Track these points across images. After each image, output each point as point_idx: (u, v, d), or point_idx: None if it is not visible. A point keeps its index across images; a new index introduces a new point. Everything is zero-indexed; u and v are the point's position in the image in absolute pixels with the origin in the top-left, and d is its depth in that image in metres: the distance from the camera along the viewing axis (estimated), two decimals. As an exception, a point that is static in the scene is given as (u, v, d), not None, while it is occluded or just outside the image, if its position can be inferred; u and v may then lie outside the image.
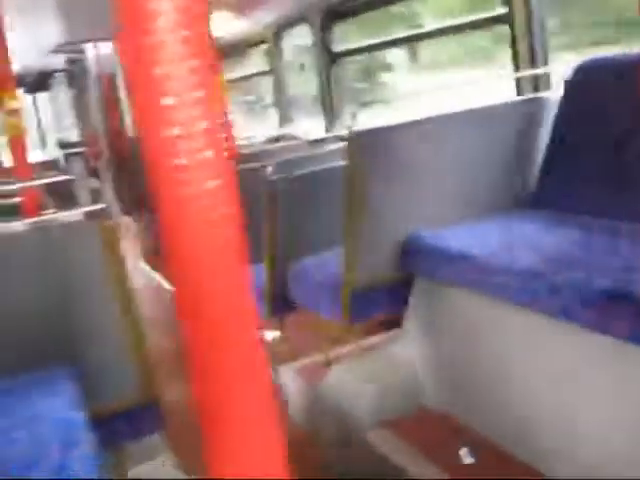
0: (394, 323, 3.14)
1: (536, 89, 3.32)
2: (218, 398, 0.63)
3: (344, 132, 4.04)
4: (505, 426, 2.50)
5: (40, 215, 2.78)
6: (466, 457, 2.51)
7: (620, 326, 1.94)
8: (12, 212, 3.59)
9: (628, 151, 2.64)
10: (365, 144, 2.74)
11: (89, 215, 2.12)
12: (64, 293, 2.06)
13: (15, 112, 3.55)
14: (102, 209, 2.10)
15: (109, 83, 9.49)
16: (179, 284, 0.62)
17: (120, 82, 8.66)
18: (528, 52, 3.31)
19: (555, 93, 3.08)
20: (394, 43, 5.00)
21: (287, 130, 5.85)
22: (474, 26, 3.98)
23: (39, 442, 1.51)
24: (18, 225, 2.11)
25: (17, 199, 3.75)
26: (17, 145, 3.67)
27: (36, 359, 1.99)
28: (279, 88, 6.28)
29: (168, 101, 0.58)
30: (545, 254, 2.33)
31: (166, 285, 5.60)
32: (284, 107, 6.30)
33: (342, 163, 2.96)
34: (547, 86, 3.30)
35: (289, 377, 3.41)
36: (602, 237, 2.43)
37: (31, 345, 2.04)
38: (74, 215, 2.12)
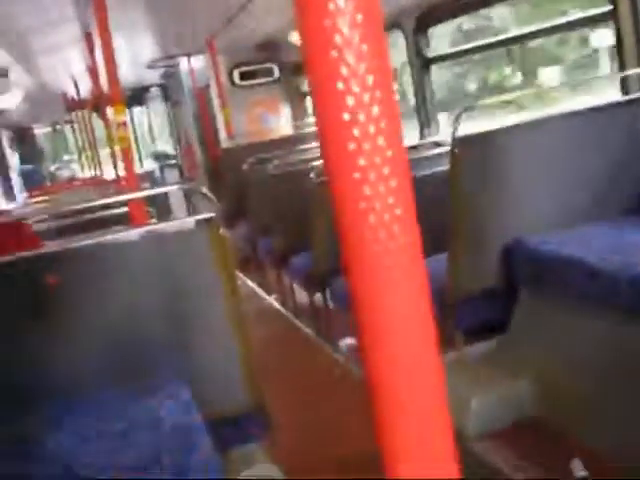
0: (498, 330, 3.07)
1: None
2: (399, 421, 0.63)
3: (442, 138, 4.00)
4: (617, 441, 2.40)
5: (148, 224, 2.86)
6: (578, 469, 2.43)
7: None
8: (121, 221, 3.71)
9: None
10: (468, 148, 2.70)
11: (198, 224, 2.15)
12: (177, 301, 2.11)
13: (124, 125, 3.66)
14: (211, 218, 2.14)
15: (202, 96, 9.71)
16: (360, 305, 0.62)
17: (213, 94, 8.85)
18: (635, 49, 3.19)
19: None
20: (490, 46, 4.92)
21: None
22: (577, 25, 3.87)
23: (160, 444, 1.55)
24: (132, 234, 2.17)
25: (124, 209, 3.88)
26: (126, 157, 3.78)
27: (150, 366, 2.05)
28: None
29: (353, 135, 0.57)
30: None
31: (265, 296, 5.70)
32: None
33: (439, 169, 2.93)
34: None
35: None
36: None
37: (146, 352, 2.09)
38: (185, 223, 2.16)
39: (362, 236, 0.59)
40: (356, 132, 0.57)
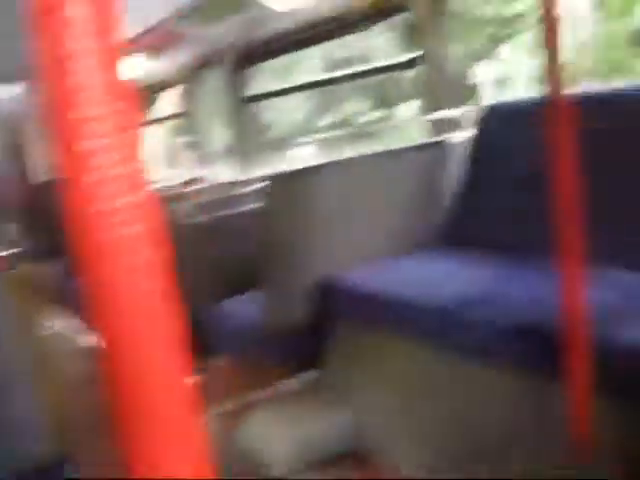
0: (316, 365, 3.13)
1: (449, 129, 3.42)
2: (147, 451, 0.61)
3: (260, 175, 4.06)
4: (417, 461, 2.51)
5: None
6: None
7: (535, 362, 1.99)
8: None
9: (532, 190, 2.74)
10: (281, 186, 2.75)
11: None
12: None
13: None
14: (8, 256, 2.03)
15: (13, 127, 9.24)
16: (103, 334, 0.61)
17: (26, 127, 8.45)
18: (439, 95, 3.41)
19: (468, 133, 3.18)
20: (305, 87, 5.08)
21: (203, 172, 5.83)
22: (390, 70, 4.08)
23: None
24: None
25: None
26: None
27: None
28: (194, 130, 6.27)
29: (88, 145, 0.56)
30: (459, 291, 2.37)
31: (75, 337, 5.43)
32: (201, 149, 6.28)
33: (257, 206, 2.96)
34: (459, 126, 3.41)
35: (208, 424, 3.34)
36: (514, 271, 2.50)
37: None
38: None
39: (112, 278, 0.58)
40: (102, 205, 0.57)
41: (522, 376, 2.06)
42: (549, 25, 1.68)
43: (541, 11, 1.67)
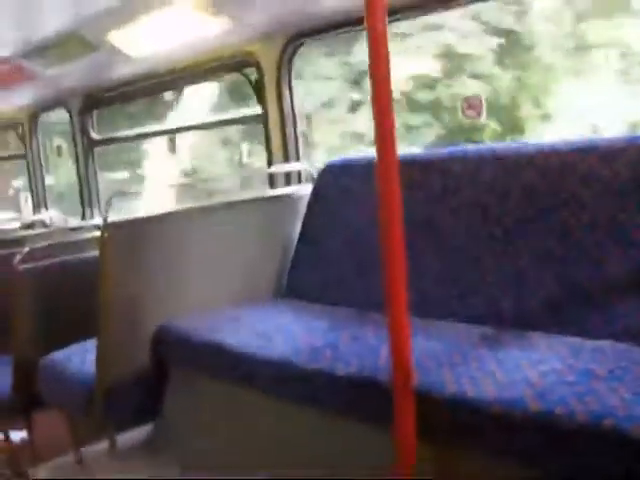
0: (153, 415, 3.05)
1: (288, 184, 3.50)
2: None
3: (99, 221, 3.96)
4: None
5: None
6: None
7: (366, 410, 2.05)
8: None
9: (368, 244, 2.85)
10: (118, 234, 2.70)
11: None
12: None
13: None
14: None
15: None
16: None
17: None
18: (281, 149, 3.50)
19: (306, 188, 3.27)
20: (153, 134, 5.04)
21: (42, 216, 5.61)
22: (231, 122, 4.14)
23: None
24: None
25: None
26: None
27: None
28: (34, 173, 6.04)
29: None
30: (295, 343, 2.41)
31: None
32: (39, 192, 6.05)
33: (95, 253, 2.88)
34: (299, 181, 3.51)
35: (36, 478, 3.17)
36: (348, 325, 2.57)
37: None
38: None
39: None
40: None
41: (352, 423, 2.12)
42: (379, 87, 1.78)
43: (371, 77, 1.77)
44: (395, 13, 2.87)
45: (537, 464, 1.69)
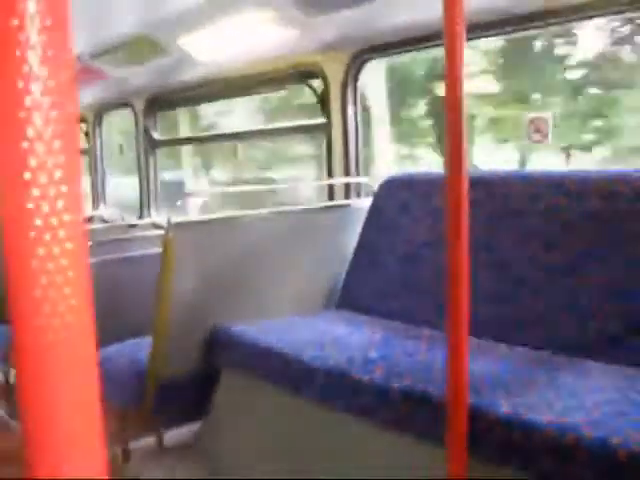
0: (202, 415, 3.09)
1: (347, 196, 3.53)
2: None
3: (162, 219, 4.03)
4: None
5: None
6: None
7: (418, 425, 2.06)
8: None
9: (424, 260, 2.86)
10: (182, 233, 2.75)
11: None
12: None
13: None
14: None
15: None
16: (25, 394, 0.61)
17: None
18: (342, 161, 3.52)
19: (365, 201, 3.29)
20: (214, 139, 5.11)
21: (100, 212, 5.73)
22: (296, 131, 4.18)
23: None
24: None
25: None
26: None
27: None
28: (95, 169, 6.17)
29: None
30: (349, 354, 2.43)
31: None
32: (99, 189, 6.18)
33: (156, 251, 2.94)
34: (359, 194, 3.53)
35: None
36: (402, 339, 2.58)
37: None
38: None
39: (32, 320, 0.59)
40: (39, 222, 0.58)
41: (403, 438, 2.12)
42: (452, 105, 1.78)
43: (445, 94, 1.78)
44: (473, 31, 2.85)
45: None
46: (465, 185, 1.79)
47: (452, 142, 1.79)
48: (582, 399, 1.90)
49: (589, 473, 1.66)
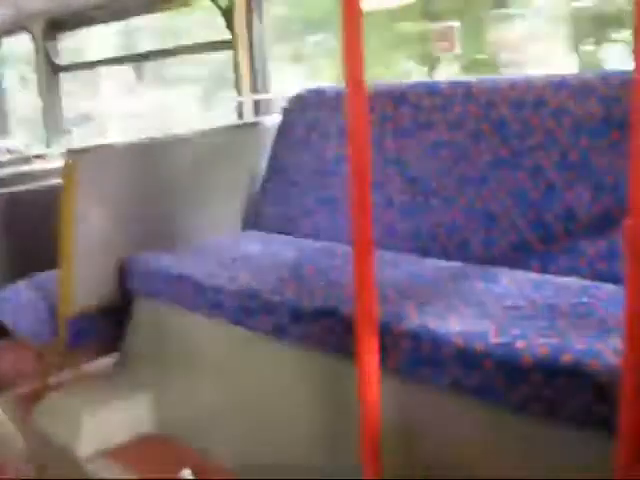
0: (117, 346, 3.05)
1: (257, 115, 3.44)
2: None
3: (64, 149, 3.88)
4: (220, 441, 2.54)
5: None
6: (186, 475, 2.50)
7: (330, 342, 2.06)
8: None
9: (336, 176, 2.83)
10: (82, 161, 2.64)
11: None
12: None
13: None
14: None
15: None
16: None
17: None
18: (250, 78, 3.42)
19: (275, 119, 3.21)
20: (118, 61, 4.91)
21: (4, 143, 5.48)
22: (201, 49, 4.04)
23: None
24: None
25: None
26: None
27: None
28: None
29: None
30: (261, 274, 2.41)
31: None
32: (3, 118, 5.91)
33: (58, 182, 2.82)
34: (268, 111, 3.45)
35: (3, 407, 3.17)
36: (314, 258, 2.56)
37: None
38: None
39: None
40: None
41: (318, 356, 2.13)
42: (349, 19, 1.72)
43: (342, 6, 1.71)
44: None
45: (495, 397, 1.71)
46: (364, 98, 1.74)
47: (349, 53, 1.73)
48: (489, 307, 1.92)
49: (497, 379, 1.69)
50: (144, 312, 2.87)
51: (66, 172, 2.62)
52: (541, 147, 2.33)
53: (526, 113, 2.39)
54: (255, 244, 2.83)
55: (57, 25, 4.92)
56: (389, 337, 1.88)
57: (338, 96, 2.93)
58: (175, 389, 2.79)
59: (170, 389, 2.81)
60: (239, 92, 3.52)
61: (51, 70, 5.02)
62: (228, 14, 3.52)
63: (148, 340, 2.88)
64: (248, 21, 3.44)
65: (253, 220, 3.15)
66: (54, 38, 5.02)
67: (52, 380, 3.16)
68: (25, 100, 5.91)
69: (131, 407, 2.86)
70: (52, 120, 5.07)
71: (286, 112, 3.14)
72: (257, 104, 3.47)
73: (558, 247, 2.23)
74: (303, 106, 3.07)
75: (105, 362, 3.13)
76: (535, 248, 2.28)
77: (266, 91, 3.44)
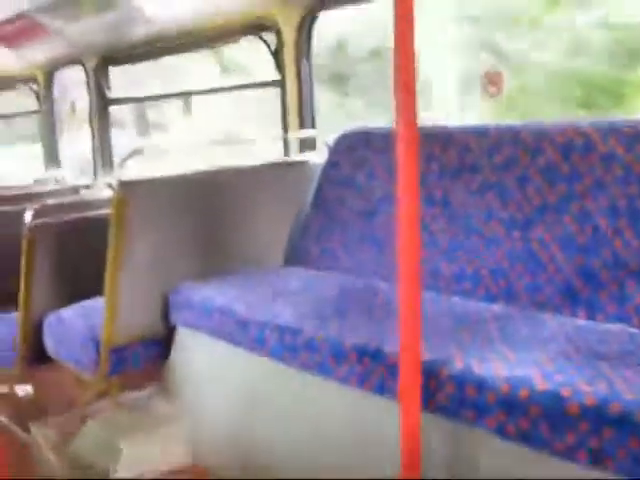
0: (156, 377, 3.07)
1: (302, 152, 3.48)
2: None
3: (113, 179, 3.96)
4: (256, 475, 2.53)
5: None
6: None
7: (372, 381, 2.06)
8: None
9: (382, 216, 2.84)
10: (131, 193, 2.69)
11: None
12: None
13: None
14: None
15: None
16: None
17: None
18: (297, 116, 3.47)
19: (320, 156, 3.25)
20: (169, 96, 5.01)
21: (54, 173, 5.61)
22: (249, 87, 4.11)
23: None
24: None
25: None
26: None
27: None
28: (48, 129, 6.03)
29: None
30: (303, 310, 2.41)
31: None
32: (52, 148, 6.05)
33: (108, 211, 2.88)
34: (313, 149, 3.48)
35: (42, 433, 3.20)
36: (357, 295, 2.57)
37: None
38: None
39: None
40: None
41: (360, 395, 2.12)
42: (403, 60, 1.75)
43: (394, 47, 1.74)
44: None
45: (540, 443, 1.69)
46: (415, 139, 1.76)
47: (402, 95, 1.75)
48: (534, 352, 1.91)
49: (543, 426, 1.67)
50: (185, 343, 2.89)
51: (116, 203, 2.68)
52: (589, 192, 2.32)
53: (574, 158, 2.39)
54: (297, 279, 2.84)
55: (110, 59, 5.05)
56: (432, 379, 1.87)
57: (384, 136, 2.96)
58: (213, 421, 2.79)
59: (208, 421, 2.82)
60: (285, 129, 3.57)
61: (102, 102, 5.14)
62: (277, 53, 3.59)
63: (189, 372, 2.90)
64: (296, 60, 3.50)
65: (296, 255, 3.17)
66: (107, 71, 5.15)
67: (92, 408, 3.19)
68: (75, 130, 6.05)
69: (169, 438, 2.88)
70: (101, 151, 5.18)
71: (332, 151, 3.17)
72: (303, 141, 3.52)
73: (605, 294, 2.21)
74: (349, 145, 3.10)
75: (145, 392, 3.14)
76: (581, 294, 2.26)
77: (312, 129, 3.49)
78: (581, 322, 2.17)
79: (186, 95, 4.90)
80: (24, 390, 3.52)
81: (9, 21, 4.62)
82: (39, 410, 3.35)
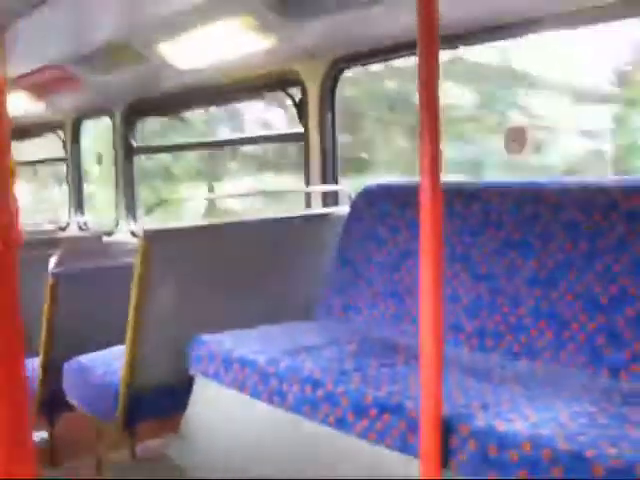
0: (175, 426, 3.05)
1: (325, 205, 3.51)
2: None
3: (137, 228, 3.99)
4: None
5: None
6: None
7: (392, 436, 2.03)
8: None
9: (403, 270, 2.84)
10: (155, 243, 2.72)
11: None
12: None
13: None
14: None
15: None
16: None
17: None
18: (320, 169, 3.51)
19: (343, 210, 3.27)
20: (194, 147, 5.08)
21: (78, 220, 5.67)
22: (274, 140, 4.17)
23: None
24: None
25: None
26: None
27: None
28: (73, 177, 6.11)
29: None
30: (324, 364, 2.40)
31: None
32: (77, 196, 6.12)
33: (132, 260, 2.90)
34: (336, 203, 3.51)
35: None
36: (378, 350, 2.55)
37: None
38: None
39: None
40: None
41: (381, 449, 2.10)
42: (428, 114, 1.77)
43: (420, 98, 1.76)
44: (448, 41, 2.86)
45: None
46: (439, 195, 1.77)
47: (427, 151, 1.77)
48: (558, 411, 1.88)
49: None
50: (204, 393, 2.88)
51: (140, 251, 2.70)
52: (612, 250, 2.31)
53: (597, 216, 2.38)
54: (319, 332, 2.83)
55: (136, 110, 5.14)
56: (454, 435, 1.85)
57: (406, 191, 2.97)
58: (232, 473, 2.76)
59: (227, 473, 2.78)
60: (307, 182, 3.60)
61: (128, 151, 5.21)
62: (301, 106, 3.64)
63: (207, 422, 2.88)
64: (320, 114, 3.55)
65: (317, 309, 3.16)
66: (132, 122, 5.23)
67: (111, 456, 3.17)
68: (100, 178, 6.13)
69: None
70: (125, 199, 5.23)
71: (354, 204, 3.19)
72: (325, 195, 3.54)
73: (629, 352, 2.18)
74: (371, 199, 3.12)
75: (164, 441, 3.12)
76: (604, 352, 2.24)
77: (337, 182, 3.52)
78: (604, 381, 2.14)
79: (212, 145, 4.96)
80: (39, 436, 3.51)
81: (39, 70, 4.72)
82: (54, 457, 3.33)
